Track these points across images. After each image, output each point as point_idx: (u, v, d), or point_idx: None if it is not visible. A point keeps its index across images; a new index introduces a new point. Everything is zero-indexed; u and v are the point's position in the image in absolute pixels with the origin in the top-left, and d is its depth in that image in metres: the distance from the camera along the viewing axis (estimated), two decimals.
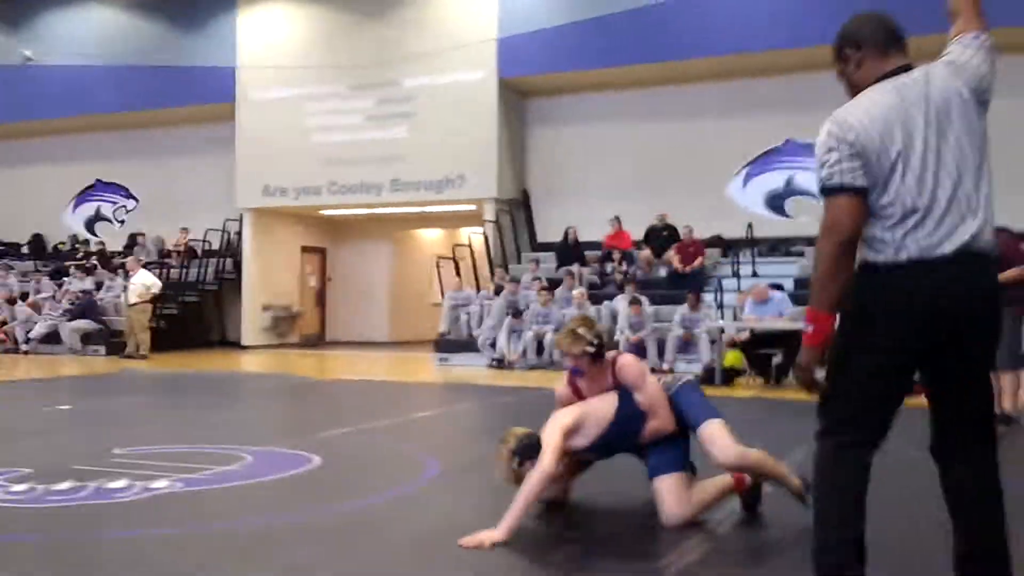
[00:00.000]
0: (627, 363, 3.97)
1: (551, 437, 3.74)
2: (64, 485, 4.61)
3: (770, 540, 3.81)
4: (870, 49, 2.58)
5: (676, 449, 3.94)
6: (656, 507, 3.84)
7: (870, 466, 2.53)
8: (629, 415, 3.87)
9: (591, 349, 3.91)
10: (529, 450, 3.76)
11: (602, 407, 3.89)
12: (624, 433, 3.88)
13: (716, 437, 3.78)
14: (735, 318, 11.21)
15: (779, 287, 11.23)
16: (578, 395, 4.06)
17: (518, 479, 3.75)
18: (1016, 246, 7.21)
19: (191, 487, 4.65)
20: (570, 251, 15.06)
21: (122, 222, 20.12)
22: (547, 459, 3.66)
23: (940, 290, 2.37)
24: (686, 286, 12.93)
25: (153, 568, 3.32)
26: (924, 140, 2.40)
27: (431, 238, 21.38)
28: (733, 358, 10.72)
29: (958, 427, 2.56)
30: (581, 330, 3.94)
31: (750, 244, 14.33)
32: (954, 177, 2.39)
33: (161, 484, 4.66)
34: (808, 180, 14.89)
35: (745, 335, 10.72)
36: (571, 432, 3.81)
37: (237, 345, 17.91)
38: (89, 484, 4.64)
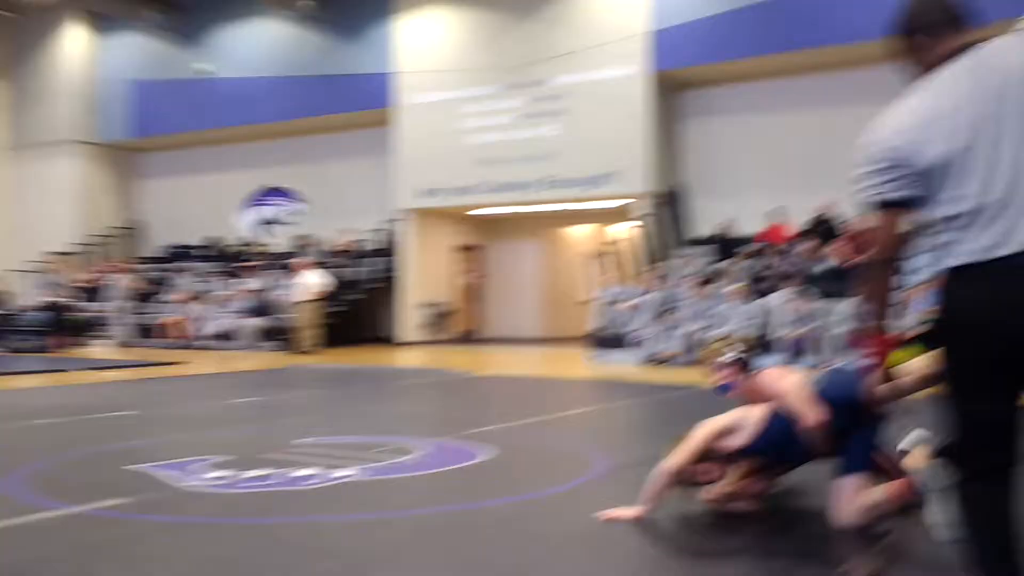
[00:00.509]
0: (764, 373, 3.98)
1: (694, 436, 3.77)
2: (255, 472, 4.91)
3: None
4: (935, 34, 2.38)
5: (858, 447, 3.67)
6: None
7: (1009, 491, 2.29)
8: (785, 416, 3.73)
9: (733, 356, 4.01)
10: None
11: (759, 409, 3.85)
12: (787, 434, 3.68)
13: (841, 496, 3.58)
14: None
15: None
16: None
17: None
18: None
19: (373, 476, 4.85)
20: (725, 245, 14.75)
21: (288, 224, 21.14)
22: (674, 457, 3.75)
23: (990, 298, 2.17)
24: (848, 281, 12.42)
25: (339, 552, 3.49)
26: (980, 131, 2.19)
27: (581, 235, 21.42)
28: (903, 355, 10.21)
29: None
30: (723, 343, 4.15)
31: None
32: (1014, 170, 2.15)
33: (345, 472, 4.89)
34: None
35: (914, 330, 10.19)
36: (724, 433, 3.78)
37: (395, 341, 18.51)
38: (278, 471, 4.92)
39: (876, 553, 3.35)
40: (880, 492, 3.66)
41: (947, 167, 2.21)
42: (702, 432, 3.77)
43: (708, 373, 4.10)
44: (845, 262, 13.38)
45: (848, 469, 3.62)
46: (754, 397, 3.94)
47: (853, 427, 3.56)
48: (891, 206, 2.30)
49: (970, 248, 2.21)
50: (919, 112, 2.29)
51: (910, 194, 2.28)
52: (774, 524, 3.88)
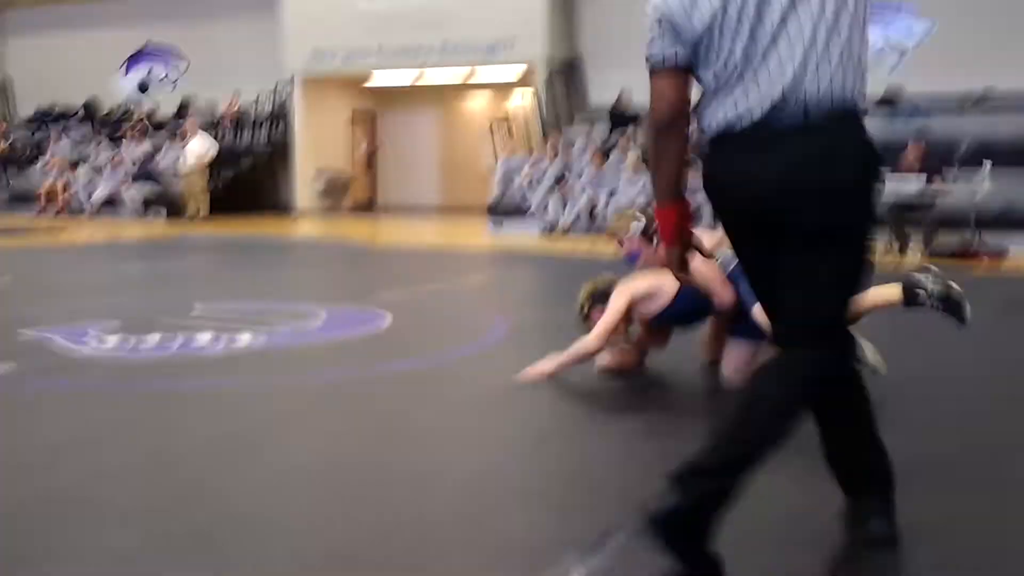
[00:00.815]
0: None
1: (613, 306, 3.83)
2: (153, 338, 4.85)
3: None
4: None
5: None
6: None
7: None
8: (694, 289, 3.79)
9: (640, 226, 3.99)
10: (602, 297, 3.91)
11: (670, 276, 3.91)
12: (695, 304, 3.85)
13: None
14: None
15: None
16: None
17: (586, 325, 3.94)
18: None
19: (273, 341, 4.86)
20: (623, 116, 14.82)
21: (174, 86, 20.12)
22: (593, 336, 3.84)
23: (729, 170, 2.16)
24: None
25: (241, 415, 3.54)
26: None
27: (480, 104, 21.11)
28: None
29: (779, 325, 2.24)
30: (630, 215, 4.13)
31: None
32: (752, 38, 2.06)
33: (245, 338, 4.88)
34: (874, 37, 14.37)
35: None
36: (644, 299, 3.87)
37: (290, 210, 18.15)
38: (177, 337, 4.88)
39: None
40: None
41: (709, 32, 2.10)
42: (624, 296, 3.86)
43: (615, 244, 4.16)
44: None
45: (744, 336, 3.81)
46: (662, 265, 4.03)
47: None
48: (667, 69, 2.16)
49: (713, 118, 2.16)
50: None
51: (684, 57, 2.14)
52: (665, 383, 4.09)
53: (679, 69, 2.16)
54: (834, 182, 2.09)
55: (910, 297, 3.85)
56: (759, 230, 2.16)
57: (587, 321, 3.98)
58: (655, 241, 3.95)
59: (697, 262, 3.70)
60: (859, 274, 2.24)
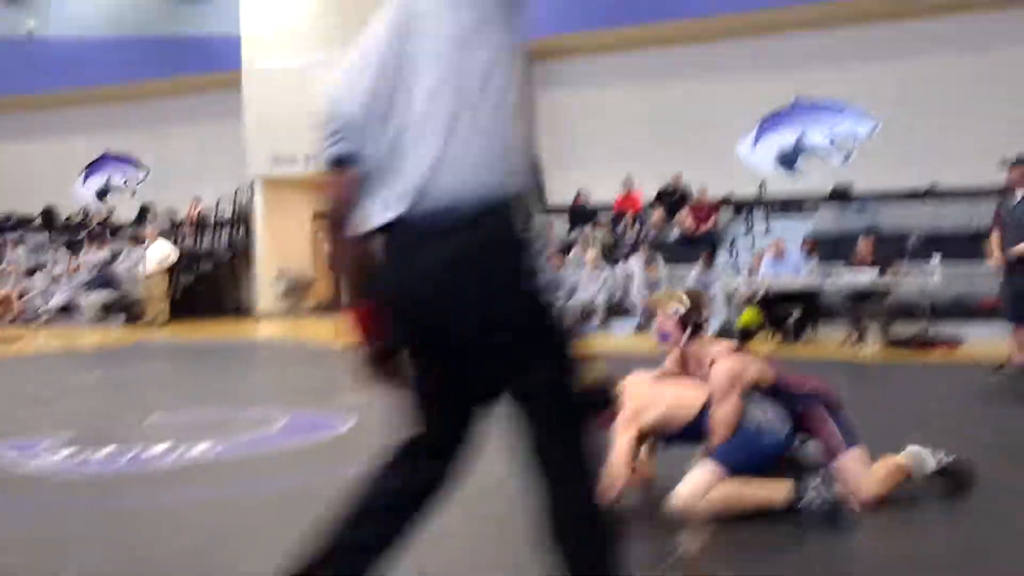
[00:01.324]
0: (722, 369, 3.54)
1: (618, 448, 3.46)
2: (106, 451, 4.72)
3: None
4: None
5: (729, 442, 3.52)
6: None
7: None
8: (705, 424, 3.56)
9: (681, 310, 3.66)
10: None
11: (687, 406, 3.59)
12: (694, 435, 3.61)
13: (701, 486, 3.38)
14: (750, 276, 11.26)
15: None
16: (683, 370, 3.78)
17: None
18: None
19: (231, 450, 4.75)
20: (581, 214, 15.07)
21: (133, 193, 20.17)
22: (618, 454, 3.48)
23: (383, 274, 2.01)
24: (699, 247, 12.96)
25: (197, 529, 3.42)
26: (383, 77, 1.95)
27: None
28: (749, 316, 10.78)
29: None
30: (679, 292, 3.83)
31: (762, 204, 14.33)
32: (410, 125, 1.92)
33: (201, 448, 4.76)
34: (819, 137, 14.89)
35: (761, 293, 10.78)
36: (659, 423, 3.59)
37: (252, 313, 18.03)
38: (130, 449, 4.75)
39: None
40: (745, 492, 3.47)
41: (364, 118, 1.98)
42: (628, 433, 3.50)
43: (655, 319, 3.81)
44: (691, 231, 13.95)
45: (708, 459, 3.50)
46: (687, 364, 3.74)
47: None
48: (336, 163, 2.02)
49: (367, 216, 1.99)
50: (350, 61, 2.05)
51: (349, 150, 2.00)
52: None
53: (344, 163, 2.01)
54: (480, 287, 1.89)
55: (797, 499, 3.39)
56: (418, 338, 2.01)
57: None
58: (688, 331, 3.68)
59: (733, 404, 3.47)
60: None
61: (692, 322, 3.67)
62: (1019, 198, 6.92)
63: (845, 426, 3.60)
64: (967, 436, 5.15)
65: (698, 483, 3.35)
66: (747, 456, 3.45)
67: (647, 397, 3.59)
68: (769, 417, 3.53)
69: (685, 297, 3.76)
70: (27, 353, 11.33)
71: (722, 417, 3.49)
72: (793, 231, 12.92)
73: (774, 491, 3.39)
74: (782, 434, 3.54)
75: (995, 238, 6.97)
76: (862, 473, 3.45)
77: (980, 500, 3.61)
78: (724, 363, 3.56)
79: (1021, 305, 6.91)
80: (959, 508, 3.55)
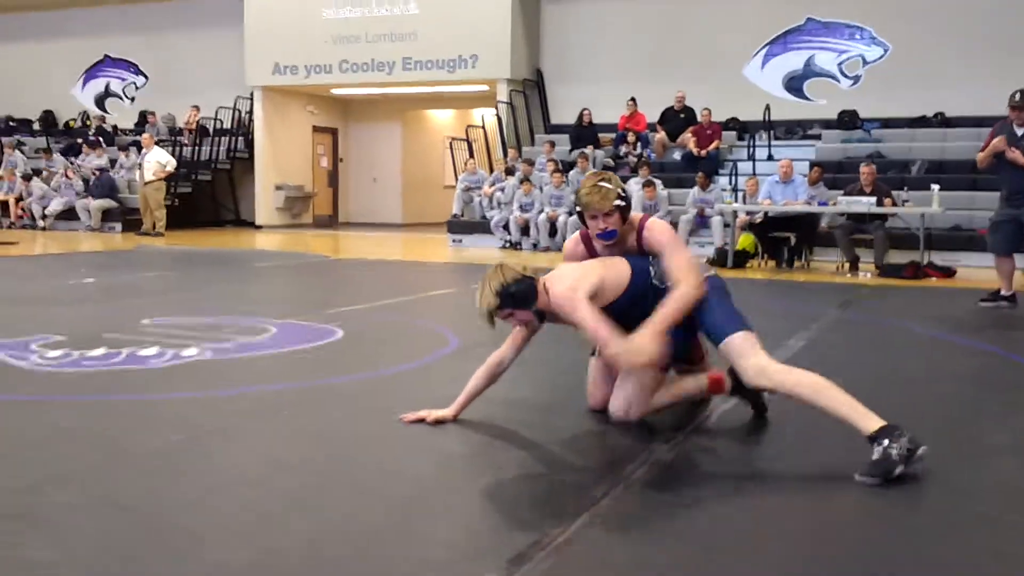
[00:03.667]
0: (659, 226, 3.44)
1: (587, 316, 3.21)
2: (98, 351, 4.78)
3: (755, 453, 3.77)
4: None
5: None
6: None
7: None
8: (642, 288, 3.37)
9: (621, 203, 3.40)
10: (516, 301, 3.28)
11: (618, 275, 3.38)
12: (633, 306, 3.35)
13: (745, 352, 3.17)
14: (745, 202, 11.20)
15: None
16: (591, 254, 3.57)
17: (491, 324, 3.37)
18: None
19: (220, 355, 4.81)
20: (584, 133, 14.92)
21: (132, 99, 19.95)
22: (506, 348, 3.48)
23: None
24: (701, 169, 12.87)
25: (183, 426, 3.48)
26: None
27: (443, 119, 21.16)
28: (746, 241, 10.77)
29: None
30: (604, 183, 3.41)
31: (767, 127, 14.17)
32: None
33: (191, 352, 4.82)
34: (827, 60, 14.64)
35: (759, 217, 10.75)
36: (598, 295, 3.31)
37: (251, 224, 18.03)
38: (122, 351, 4.81)
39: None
40: (674, 389, 3.53)
41: None
42: (584, 301, 3.24)
43: (589, 218, 3.49)
44: (694, 153, 13.83)
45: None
46: (622, 245, 3.50)
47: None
48: None
49: None
50: None
51: None
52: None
53: None
54: None
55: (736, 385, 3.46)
56: None
57: (493, 325, 3.36)
58: (626, 218, 3.47)
59: (685, 248, 3.40)
60: None
61: (627, 205, 3.45)
62: (1021, 133, 6.89)
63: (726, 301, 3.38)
64: (917, 360, 5.21)
65: (749, 343, 3.16)
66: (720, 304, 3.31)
67: (576, 271, 3.40)
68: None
69: (614, 184, 3.44)
70: (24, 257, 11.37)
71: (686, 262, 3.31)
72: (797, 156, 12.81)
73: (702, 379, 3.53)
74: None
75: (990, 147, 6.96)
76: (754, 353, 3.16)
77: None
78: (658, 222, 3.48)
79: (1004, 236, 6.98)
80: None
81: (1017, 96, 6.90)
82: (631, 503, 2.69)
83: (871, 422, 2.87)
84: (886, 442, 2.80)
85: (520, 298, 3.27)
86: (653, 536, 2.44)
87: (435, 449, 3.24)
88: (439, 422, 3.46)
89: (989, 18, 13.41)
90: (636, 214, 3.58)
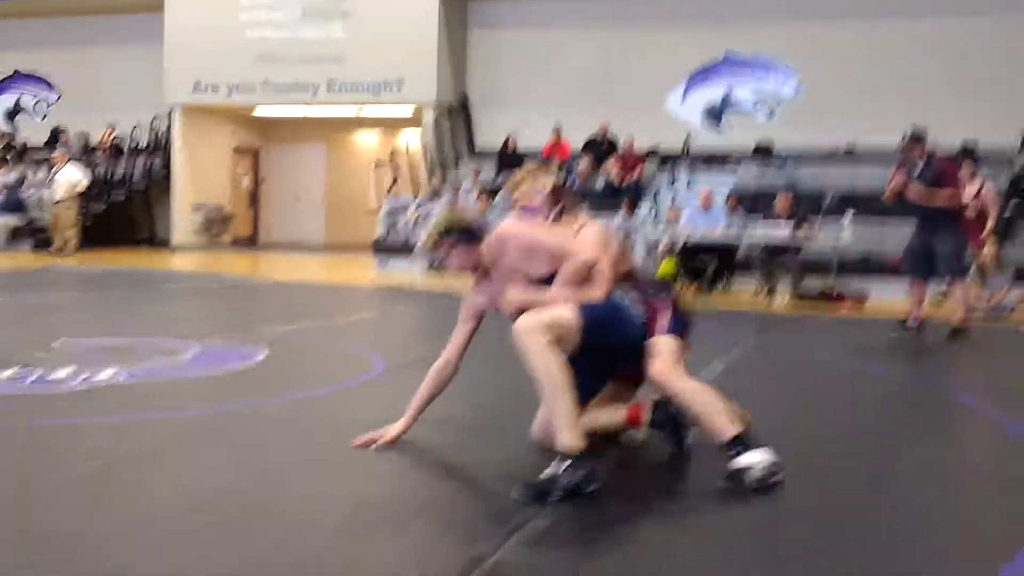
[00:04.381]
0: (596, 230, 3.47)
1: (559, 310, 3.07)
2: (7, 373, 4.59)
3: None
4: None
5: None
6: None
7: None
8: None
9: (549, 185, 3.49)
10: (464, 232, 3.29)
11: (560, 239, 3.32)
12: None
13: (662, 352, 3.27)
14: (667, 229, 11.41)
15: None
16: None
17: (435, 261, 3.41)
18: (954, 170, 7.66)
19: (137, 377, 4.67)
20: (510, 158, 15.02)
21: (44, 116, 19.30)
22: (450, 350, 3.46)
23: None
24: (623, 198, 13.07)
25: (100, 453, 3.35)
26: None
27: (368, 142, 21.04)
28: (667, 267, 10.97)
29: None
30: (536, 170, 3.56)
31: (687, 157, 14.49)
32: None
33: (107, 373, 4.67)
34: (745, 94, 15.07)
35: (681, 244, 10.96)
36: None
37: (167, 245, 17.59)
38: (33, 372, 4.63)
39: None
40: (599, 417, 3.43)
41: None
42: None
43: (524, 192, 3.61)
44: (617, 181, 14.05)
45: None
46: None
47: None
48: None
49: None
50: None
51: None
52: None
53: None
54: None
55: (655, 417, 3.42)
56: None
57: (436, 257, 3.35)
58: (558, 208, 3.52)
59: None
60: None
61: (562, 199, 3.52)
62: (920, 166, 7.29)
63: (680, 322, 3.44)
64: (832, 388, 5.39)
65: (550, 315, 3.01)
66: (605, 323, 3.15)
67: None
68: (630, 298, 3.32)
69: (550, 177, 3.58)
70: None
71: (601, 271, 3.22)
72: (716, 185, 13.11)
73: (619, 413, 3.43)
74: (638, 321, 3.29)
75: (893, 183, 7.42)
76: (667, 357, 3.25)
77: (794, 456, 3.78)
78: (595, 226, 3.52)
79: (917, 261, 7.31)
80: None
81: (906, 136, 7.40)
82: (560, 523, 2.69)
83: (728, 431, 3.08)
84: (739, 451, 3.03)
85: (468, 230, 3.30)
86: (584, 552, 2.45)
87: (367, 472, 3.19)
88: (391, 442, 3.39)
89: (896, 53, 14.03)
90: (586, 219, 3.62)
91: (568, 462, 2.84)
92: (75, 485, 2.96)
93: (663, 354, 3.27)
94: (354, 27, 16.09)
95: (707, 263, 10.89)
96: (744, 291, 10.84)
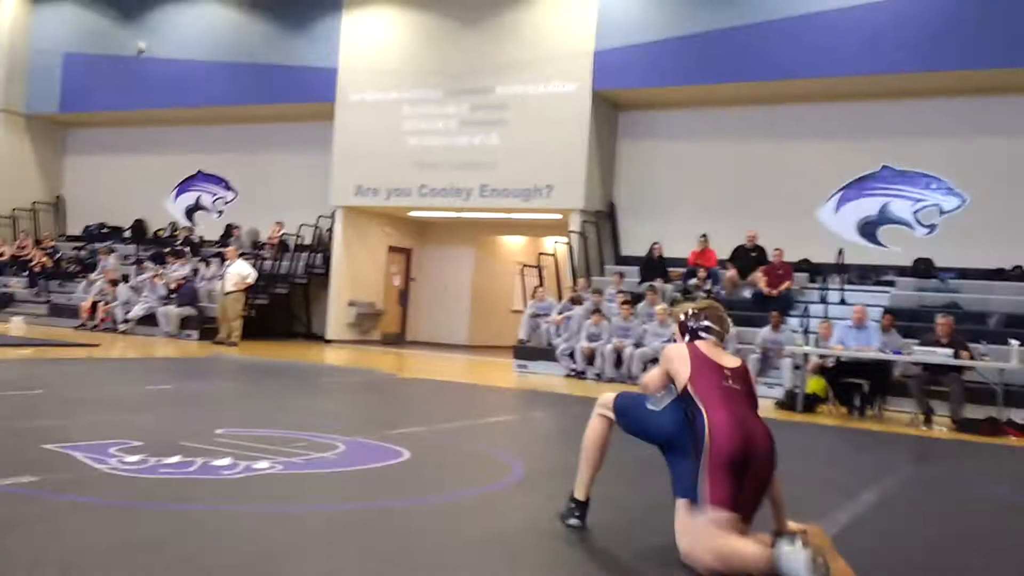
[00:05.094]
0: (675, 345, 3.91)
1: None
2: (173, 459, 4.89)
3: None
4: None
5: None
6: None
7: None
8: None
9: (682, 317, 3.93)
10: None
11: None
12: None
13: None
14: (817, 345, 11.07)
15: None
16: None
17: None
18: None
19: (290, 470, 4.88)
20: (654, 266, 15.07)
21: (220, 213, 20.86)
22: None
23: None
24: (771, 309, 12.82)
25: (256, 540, 3.53)
26: None
27: (515, 245, 21.59)
28: (816, 385, 10.61)
29: None
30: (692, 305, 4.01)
31: (839, 270, 14.13)
32: None
33: (263, 465, 4.90)
34: (903, 208, 14.65)
35: (832, 361, 10.60)
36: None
37: (321, 339, 18.40)
38: (196, 460, 4.92)
39: None
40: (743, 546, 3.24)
41: None
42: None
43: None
44: (765, 292, 13.80)
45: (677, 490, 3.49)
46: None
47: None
48: None
49: None
50: None
51: None
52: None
53: None
54: None
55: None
56: None
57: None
58: (687, 335, 3.86)
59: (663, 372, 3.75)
60: None
61: (691, 326, 3.85)
62: None
63: (690, 473, 3.43)
64: (998, 525, 5.01)
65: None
66: (635, 407, 3.84)
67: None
68: (664, 394, 3.75)
69: (692, 306, 3.98)
70: (106, 358, 11.76)
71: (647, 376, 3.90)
72: (870, 302, 12.70)
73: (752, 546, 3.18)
74: (666, 415, 3.65)
75: None
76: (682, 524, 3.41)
77: None
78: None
79: None
80: None
81: None
82: None
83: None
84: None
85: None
86: None
87: (514, 572, 3.21)
88: None
89: None
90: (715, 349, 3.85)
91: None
92: (235, 570, 3.11)
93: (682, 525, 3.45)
94: (508, 135, 16.74)
95: (859, 383, 10.46)
96: (899, 416, 10.33)
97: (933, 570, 3.77)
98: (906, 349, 10.28)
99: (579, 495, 3.94)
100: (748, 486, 3.36)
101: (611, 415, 3.91)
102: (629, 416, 3.85)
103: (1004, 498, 5.78)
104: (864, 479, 5.59)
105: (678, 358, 3.67)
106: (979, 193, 14.00)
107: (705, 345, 3.75)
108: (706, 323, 3.82)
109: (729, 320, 4.00)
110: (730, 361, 3.68)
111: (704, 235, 14.93)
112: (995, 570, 3.90)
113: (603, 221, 16.69)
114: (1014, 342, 9.75)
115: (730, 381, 3.58)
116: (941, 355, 9.69)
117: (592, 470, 3.94)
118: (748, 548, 3.16)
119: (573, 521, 3.89)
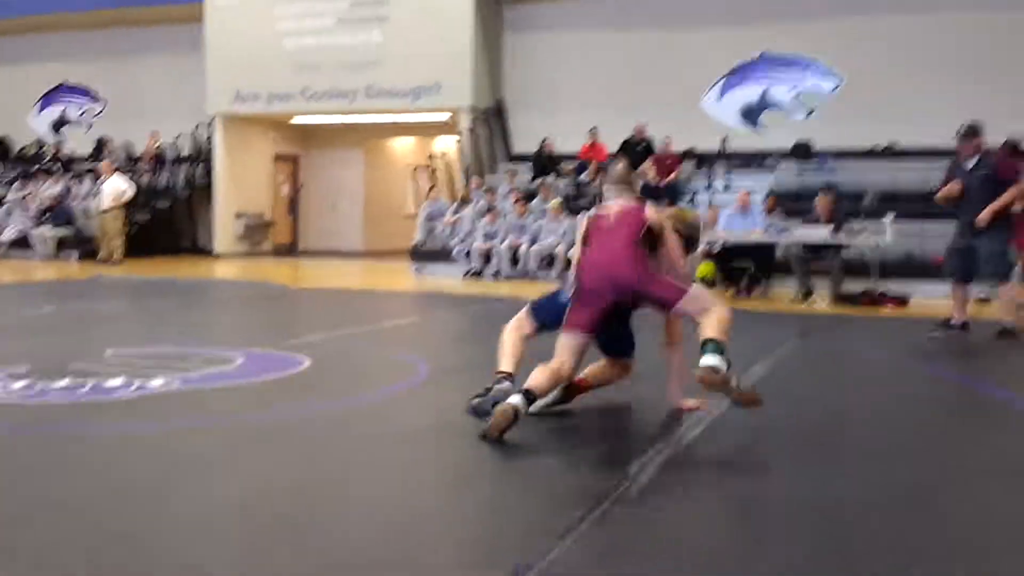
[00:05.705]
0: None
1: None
2: (62, 383, 4.73)
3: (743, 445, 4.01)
4: None
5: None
6: None
7: None
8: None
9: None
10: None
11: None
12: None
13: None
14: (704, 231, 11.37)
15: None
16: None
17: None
18: (1014, 166, 7.50)
19: (188, 385, 4.78)
20: (545, 162, 15.07)
21: (90, 126, 19.72)
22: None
23: None
24: (661, 198, 13.05)
25: (161, 457, 3.47)
26: None
27: (405, 147, 21.21)
28: (705, 269, 10.94)
29: None
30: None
31: (724, 157, 14.43)
32: None
33: (158, 382, 4.79)
34: (782, 93, 14.97)
35: (718, 247, 10.92)
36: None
37: (209, 253, 17.87)
38: (87, 382, 4.76)
39: None
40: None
41: None
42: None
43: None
44: (654, 183, 14.02)
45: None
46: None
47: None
48: None
49: None
50: None
51: None
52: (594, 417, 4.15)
53: None
54: None
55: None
56: None
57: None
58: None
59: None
60: None
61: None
62: (971, 165, 7.14)
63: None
64: (879, 386, 5.35)
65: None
66: (547, 301, 4.43)
67: None
68: (573, 283, 4.23)
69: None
70: None
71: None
72: (754, 186, 13.05)
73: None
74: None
75: (947, 189, 7.27)
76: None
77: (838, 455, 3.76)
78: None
79: (961, 263, 7.18)
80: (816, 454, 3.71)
81: (961, 130, 7.19)
82: (614, 523, 2.73)
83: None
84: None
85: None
86: (635, 555, 2.49)
87: (428, 469, 3.26)
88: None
89: (939, 49, 13.84)
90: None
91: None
92: (141, 488, 3.07)
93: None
94: (390, 33, 16.23)
95: (745, 265, 10.84)
96: (783, 295, 10.79)
97: (818, 429, 4.01)
98: (790, 228, 10.66)
99: (506, 368, 4.04)
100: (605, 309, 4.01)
101: (527, 317, 4.23)
102: (544, 308, 4.24)
103: (880, 361, 6.15)
104: (754, 354, 5.85)
105: (579, 230, 4.31)
106: (853, 74, 14.38)
107: (602, 207, 4.25)
108: (603, 190, 4.39)
109: (623, 166, 4.39)
110: (616, 206, 4.19)
111: (594, 128, 14.97)
112: (882, 419, 4.17)
113: (493, 119, 16.51)
114: (888, 216, 10.24)
115: (611, 220, 4.12)
116: (820, 234, 10.09)
117: (517, 353, 4.11)
118: (535, 371, 3.85)
119: (516, 400, 3.72)
